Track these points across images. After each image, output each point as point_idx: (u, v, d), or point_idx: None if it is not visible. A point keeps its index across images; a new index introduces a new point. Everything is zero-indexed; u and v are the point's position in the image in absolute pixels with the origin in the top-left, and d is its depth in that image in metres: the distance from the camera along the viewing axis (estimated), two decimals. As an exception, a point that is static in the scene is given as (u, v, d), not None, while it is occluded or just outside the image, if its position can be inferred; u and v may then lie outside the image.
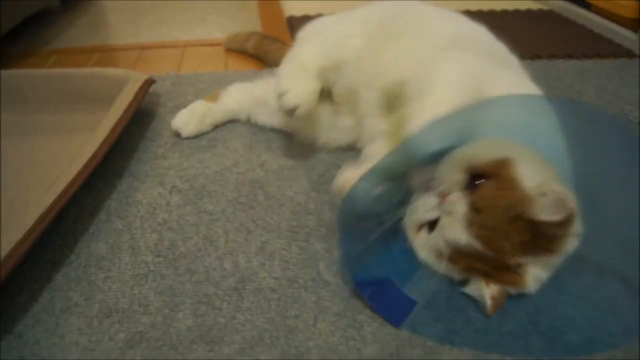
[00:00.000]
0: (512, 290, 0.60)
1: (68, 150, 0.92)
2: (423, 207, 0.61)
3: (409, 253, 0.64)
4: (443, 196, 0.60)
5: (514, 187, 0.56)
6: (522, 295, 0.61)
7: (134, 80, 1.01)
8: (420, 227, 0.62)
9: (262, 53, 1.32)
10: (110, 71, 1.07)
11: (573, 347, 0.58)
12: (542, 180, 0.57)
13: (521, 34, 1.56)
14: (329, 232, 0.72)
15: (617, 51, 1.43)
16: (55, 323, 0.61)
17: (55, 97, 1.06)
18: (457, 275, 0.62)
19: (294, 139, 0.94)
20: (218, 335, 0.59)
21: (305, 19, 1.62)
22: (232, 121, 1.01)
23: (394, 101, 0.76)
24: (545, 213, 0.53)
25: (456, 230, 0.58)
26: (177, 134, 0.96)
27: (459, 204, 0.58)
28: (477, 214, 0.57)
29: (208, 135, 0.97)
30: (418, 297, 0.62)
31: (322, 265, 0.67)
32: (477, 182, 0.58)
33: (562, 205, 0.54)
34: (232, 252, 0.70)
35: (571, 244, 0.58)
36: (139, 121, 1.01)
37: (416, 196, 0.63)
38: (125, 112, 0.91)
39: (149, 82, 1.03)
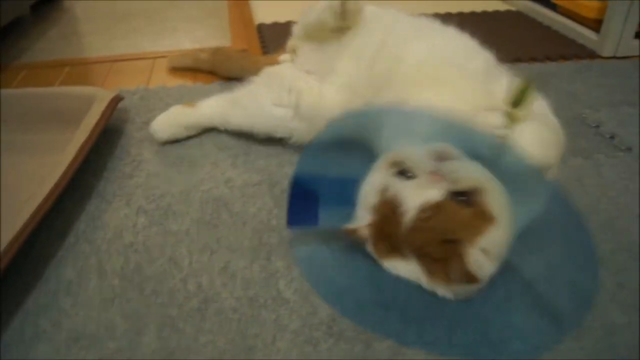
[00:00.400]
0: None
1: (39, 171, 0.93)
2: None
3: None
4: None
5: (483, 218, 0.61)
6: (470, 306, 0.64)
7: (101, 99, 1.02)
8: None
9: (218, 65, 1.32)
10: (79, 90, 1.08)
11: (519, 354, 0.62)
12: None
13: (488, 36, 1.57)
14: (289, 250, 0.75)
15: (580, 52, 1.46)
16: (25, 351, 0.63)
17: (26, 117, 1.07)
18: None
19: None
20: (181, 357, 0.61)
21: (276, 26, 1.65)
22: (199, 137, 1.03)
23: None
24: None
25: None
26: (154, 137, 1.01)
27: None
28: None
29: (175, 152, 0.99)
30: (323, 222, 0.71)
31: (282, 283, 0.70)
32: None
33: (477, 274, 0.60)
34: (195, 273, 0.72)
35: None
36: (108, 139, 1.03)
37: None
38: (92, 131, 0.93)
39: (117, 100, 1.04)
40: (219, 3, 1.97)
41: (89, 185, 0.91)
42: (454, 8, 1.84)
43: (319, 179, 0.75)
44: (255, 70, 1.05)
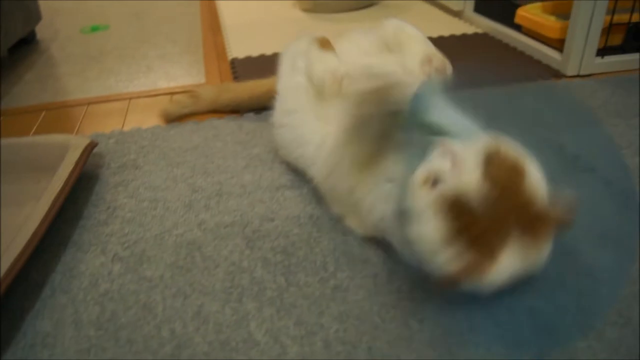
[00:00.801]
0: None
1: (15, 221, 0.95)
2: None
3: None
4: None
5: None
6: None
7: (75, 147, 1.04)
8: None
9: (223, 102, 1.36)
10: (53, 138, 1.11)
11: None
12: None
13: (456, 59, 1.63)
14: (260, 290, 0.77)
15: (545, 72, 1.50)
16: (1, 407, 0.64)
17: (1, 168, 1.09)
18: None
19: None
20: (154, 405, 0.63)
21: (248, 60, 1.68)
22: (174, 179, 1.05)
23: None
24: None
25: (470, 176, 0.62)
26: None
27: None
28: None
29: (149, 196, 1.01)
30: None
31: (253, 324, 0.72)
32: None
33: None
34: (169, 319, 0.74)
35: None
36: (83, 185, 1.05)
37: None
38: (67, 181, 0.95)
39: (91, 147, 1.07)
40: (193, 40, 2.00)
41: (65, 234, 0.92)
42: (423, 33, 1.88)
43: None
44: (267, 97, 1.11)
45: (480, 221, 0.60)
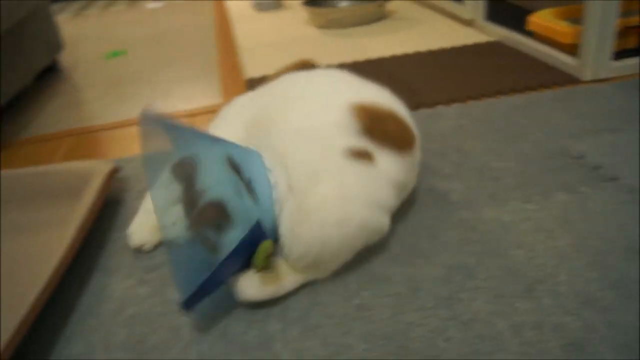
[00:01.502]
0: None
1: (40, 249, 0.98)
2: None
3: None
4: None
5: None
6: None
7: (99, 172, 1.07)
8: None
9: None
10: (77, 165, 1.13)
11: None
12: None
13: (470, 70, 1.64)
14: (284, 310, 0.78)
15: (561, 79, 1.50)
16: None
17: (28, 195, 1.12)
18: None
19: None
20: None
21: (264, 79, 1.70)
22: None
23: None
24: None
25: None
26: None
27: None
28: None
29: (173, 218, 1.03)
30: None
31: (279, 345, 0.72)
32: None
33: None
34: (196, 340, 0.75)
35: None
36: (108, 210, 1.07)
37: None
38: (92, 207, 0.97)
39: (114, 172, 1.09)
40: (209, 61, 2.04)
41: (92, 259, 0.95)
42: (435, 44, 1.89)
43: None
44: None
45: None
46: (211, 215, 0.71)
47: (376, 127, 0.87)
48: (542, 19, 1.69)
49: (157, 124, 0.70)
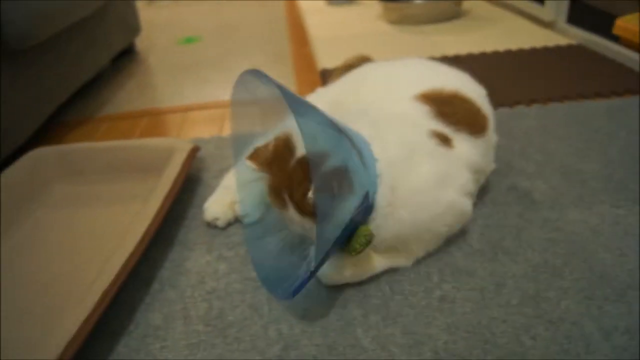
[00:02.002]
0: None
1: (123, 220, 1.01)
2: None
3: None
4: None
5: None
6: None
7: (181, 150, 1.09)
8: None
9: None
10: (159, 141, 1.16)
11: None
12: None
13: (551, 72, 1.59)
14: (364, 297, 0.77)
15: (648, 85, 1.43)
16: (119, 393, 0.68)
17: (109, 168, 1.15)
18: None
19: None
20: (265, 403, 0.64)
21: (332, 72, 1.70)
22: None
23: None
24: None
25: None
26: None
27: None
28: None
29: (250, 200, 1.04)
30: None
31: (360, 330, 0.72)
32: None
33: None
34: (275, 319, 0.75)
35: None
36: (187, 188, 1.10)
37: None
38: (175, 182, 0.99)
39: (195, 151, 1.11)
40: (281, 51, 2.05)
41: (171, 233, 0.97)
42: (513, 45, 1.84)
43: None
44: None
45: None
46: (336, 181, 0.70)
47: (445, 110, 0.86)
48: (630, 23, 1.62)
49: (263, 80, 0.70)
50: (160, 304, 0.81)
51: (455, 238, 0.87)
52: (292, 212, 0.75)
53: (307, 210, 0.73)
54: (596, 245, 0.84)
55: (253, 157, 0.80)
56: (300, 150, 0.74)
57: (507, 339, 0.68)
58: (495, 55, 1.77)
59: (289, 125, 0.77)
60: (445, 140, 0.82)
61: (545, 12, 2.03)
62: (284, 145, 0.76)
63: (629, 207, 0.92)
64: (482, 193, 0.98)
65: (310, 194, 0.72)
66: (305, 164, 0.72)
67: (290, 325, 0.74)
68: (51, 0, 1.35)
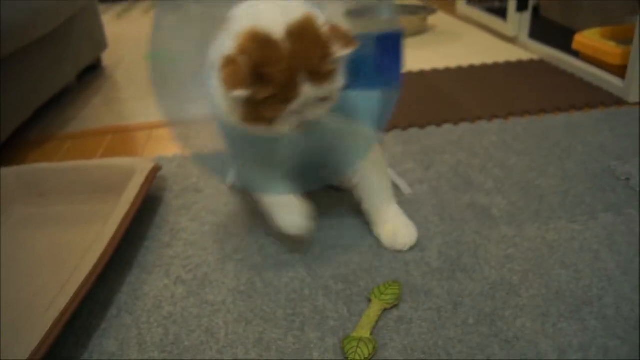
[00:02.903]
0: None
1: (83, 241, 0.99)
2: None
3: None
4: None
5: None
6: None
7: (141, 170, 1.08)
8: None
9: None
10: (119, 161, 1.15)
11: None
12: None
13: (512, 86, 1.62)
14: (322, 319, 0.77)
15: (606, 100, 1.47)
16: None
17: (70, 189, 1.13)
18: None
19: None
20: None
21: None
22: (233, 203, 1.07)
23: None
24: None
25: None
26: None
27: None
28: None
29: (211, 220, 1.03)
30: None
31: (316, 354, 0.71)
32: None
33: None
34: (231, 344, 0.74)
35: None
36: (147, 207, 1.08)
37: None
38: (134, 202, 0.98)
39: (156, 170, 1.10)
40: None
41: (131, 255, 0.95)
42: (477, 60, 1.87)
43: None
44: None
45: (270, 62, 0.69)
46: None
47: None
48: (589, 39, 1.66)
49: None
50: (116, 330, 0.79)
51: (413, 257, 0.87)
52: (307, 90, 0.72)
53: (328, 70, 0.72)
54: (553, 261, 0.85)
55: (234, 84, 0.68)
56: (280, 32, 0.70)
57: (463, 359, 0.68)
58: (459, 70, 1.79)
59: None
60: None
61: (507, 27, 2.07)
62: (258, 42, 0.70)
63: (585, 222, 0.93)
64: (440, 209, 0.99)
65: (333, 51, 0.71)
66: (303, 34, 0.70)
67: (246, 350, 0.73)
68: (14, 15, 1.33)
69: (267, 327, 0.77)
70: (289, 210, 0.89)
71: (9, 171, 1.15)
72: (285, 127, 0.76)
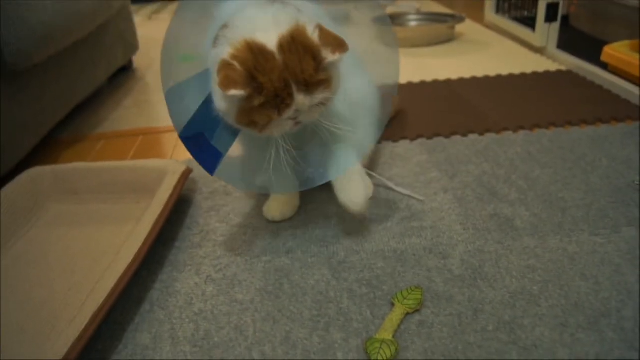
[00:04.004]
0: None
1: (115, 240, 1.03)
2: None
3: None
4: None
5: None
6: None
7: (173, 172, 1.12)
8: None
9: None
10: (152, 162, 1.19)
11: None
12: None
13: (539, 97, 1.63)
14: (346, 321, 0.80)
15: (633, 113, 1.46)
16: (106, 412, 0.70)
17: (103, 189, 1.18)
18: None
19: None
20: None
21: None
22: (261, 206, 1.10)
23: None
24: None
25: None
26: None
27: None
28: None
29: (238, 222, 1.07)
30: (222, 149, 0.86)
31: (340, 354, 0.74)
32: None
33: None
34: (259, 342, 0.78)
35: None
36: (179, 209, 1.12)
37: None
38: (167, 204, 1.02)
39: (187, 173, 1.14)
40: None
41: (162, 254, 0.99)
42: (504, 70, 1.88)
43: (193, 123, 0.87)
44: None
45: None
46: None
47: None
48: (617, 51, 1.66)
49: None
50: (149, 325, 0.83)
51: (436, 264, 0.90)
52: (300, 100, 0.77)
53: (320, 80, 0.77)
54: (573, 273, 0.86)
55: (229, 85, 0.73)
56: (272, 44, 0.75)
57: (482, 365, 0.71)
58: (486, 80, 1.81)
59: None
60: None
61: (536, 38, 2.07)
62: (253, 52, 0.75)
63: (607, 236, 0.94)
64: (464, 218, 1.01)
65: (326, 55, 0.76)
66: (294, 45, 0.75)
67: (273, 347, 0.76)
68: (51, 22, 1.38)
69: (293, 326, 0.80)
70: (276, 199, 1.05)
71: (45, 169, 1.21)
72: (279, 131, 0.82)
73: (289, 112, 0.78)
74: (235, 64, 0.74)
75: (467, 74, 1.86)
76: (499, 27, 2.44)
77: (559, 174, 1.15)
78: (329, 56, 0.76)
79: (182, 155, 1.42)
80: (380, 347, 0.73)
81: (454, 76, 1.85)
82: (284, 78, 0.75)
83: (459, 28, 2.43)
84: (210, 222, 1.08)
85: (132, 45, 2.17)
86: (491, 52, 2.15)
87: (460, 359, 0.72)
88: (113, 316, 0.85)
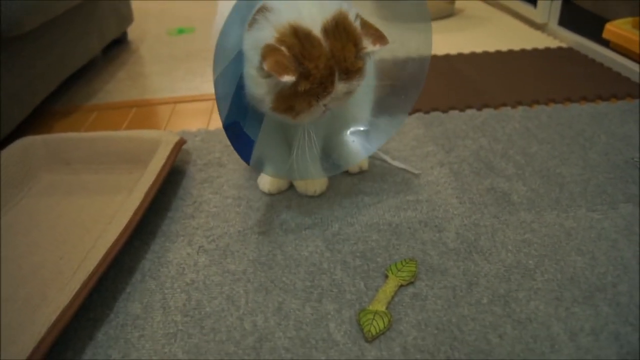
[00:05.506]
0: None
1: (108, 210, 1.02)
2: None
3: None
4: None
5: None
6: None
7: (167, 142, 1.10)
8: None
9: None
10: (146, 133, 1.17)
11: None
12: None
13: (539, 74, 1.61)
14: (339, 292, 0.79)
15: (634, 91, 1.45)
16: (96, 380, 0.69)
17: (95, 159, 1.16)
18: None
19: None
20: (237, 393, 0.66)
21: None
22: (255, 180, 1.09)
23: None
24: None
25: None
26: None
27: None
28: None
29: (232, 194, 1.05)
30: (254, 136, 0.84)
31: (333, 325, 0.73)
32: None
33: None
34: (251, 312, 0.77)
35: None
36: (171, 179, 1.11)
37: None
38: (159, 174, 1.00)
39: (181, 143, 1.12)
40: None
41: (155, 224, 0.98)
42: (504, 45, 1.86)
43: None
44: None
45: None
46: None
47: None
48: (619, 29, 1.64)
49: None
50: (141, 294, 0.82)
51: (431, 237, 0.89)
52: (340, 87, 0.76)
53: (359, 67, 0.76)
54: (569, 247, 0.85)
55: (281, 70, 0.70)
56: (318, 29, 0.73)
57: (475, 336, 0.70)
58: (486, 55, 1.78)
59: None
60: None
61: (537, 14, 2.04)
62: (299, 37, 0.73)
63: (604, 212, 0.94)
64: (460, 192, 1.00)
65: (367, 45, 0.75)
66: (338, 31, 0.74)
67: (265, 318, 0.76)
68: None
69: (286, 297, 0.79)
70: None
71: (37, 139, 1.19)
72: (311, 117, 0.79)
73: (328, 99, 0.76)
74: (283, 49, 0.71)
75: (466, 50, 1.84)
76: (500, 3, 2.41)
77: (557, 150, 1.14)
78: (369, 46, 0.75)
79: (176, 127, 1.40)
80: (373, 319, 0.72)
81: (453, 51, 1.83)
82: (330, 65, 0.73)
83: (459, 4, 2.39)
84: (203, 193, 1.06)
85: (126, 16, 2.13)
86: (491, 28, 2.12)
87: (453, 331, 0.71)
88: (104, 285, 0.84)
